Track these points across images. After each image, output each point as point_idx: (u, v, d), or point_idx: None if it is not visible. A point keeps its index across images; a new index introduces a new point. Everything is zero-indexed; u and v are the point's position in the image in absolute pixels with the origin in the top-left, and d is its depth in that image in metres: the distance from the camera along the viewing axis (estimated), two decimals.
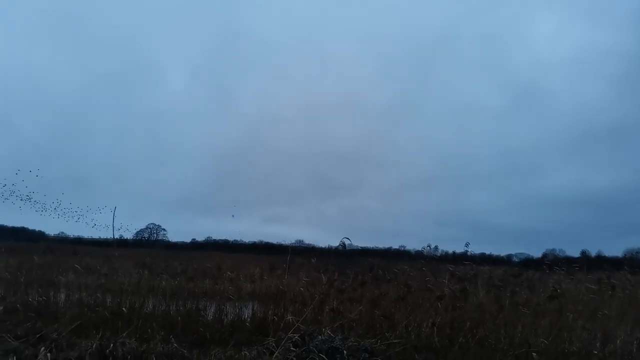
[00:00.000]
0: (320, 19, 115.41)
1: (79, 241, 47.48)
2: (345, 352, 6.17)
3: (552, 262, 11.79)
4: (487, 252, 36.72)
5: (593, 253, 42.05)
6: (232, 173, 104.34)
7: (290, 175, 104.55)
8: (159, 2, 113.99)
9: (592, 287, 9.60)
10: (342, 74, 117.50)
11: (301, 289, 9.54)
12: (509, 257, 54.36)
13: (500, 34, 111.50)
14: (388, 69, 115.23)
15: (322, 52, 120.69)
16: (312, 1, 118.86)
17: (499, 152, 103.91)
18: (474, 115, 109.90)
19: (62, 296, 8.97)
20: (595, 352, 6.99)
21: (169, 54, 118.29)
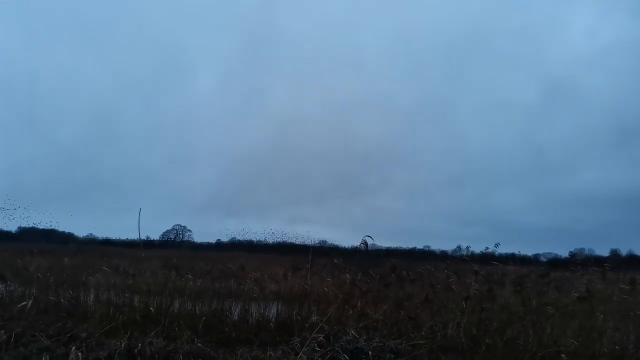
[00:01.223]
0: (350, 17, 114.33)
1: (107, 242, 48.73)
2: (370, 352, 6.12)
3: (581, 262, 11.52)
4: (515, 252, 36.16)
5: (624, 252, 41.02)
6: (257, 173, 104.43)
7: (316, 175, 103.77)
8: (189, 4, 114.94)
9: (625, 287, 9.33)
10: (371, 72, 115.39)
11: (325, 289, 9.54)
12: (537, 256, 53.59)
13: (535, 27, 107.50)
14: (418, 66, 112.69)
15: (352, 50, 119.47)
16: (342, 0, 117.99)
17: (531, 149, 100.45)
18: (506, 111, 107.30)
19: (92, 296, 9.15)
20: (627, 354, 6.80)
21: (198, 56, 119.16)
